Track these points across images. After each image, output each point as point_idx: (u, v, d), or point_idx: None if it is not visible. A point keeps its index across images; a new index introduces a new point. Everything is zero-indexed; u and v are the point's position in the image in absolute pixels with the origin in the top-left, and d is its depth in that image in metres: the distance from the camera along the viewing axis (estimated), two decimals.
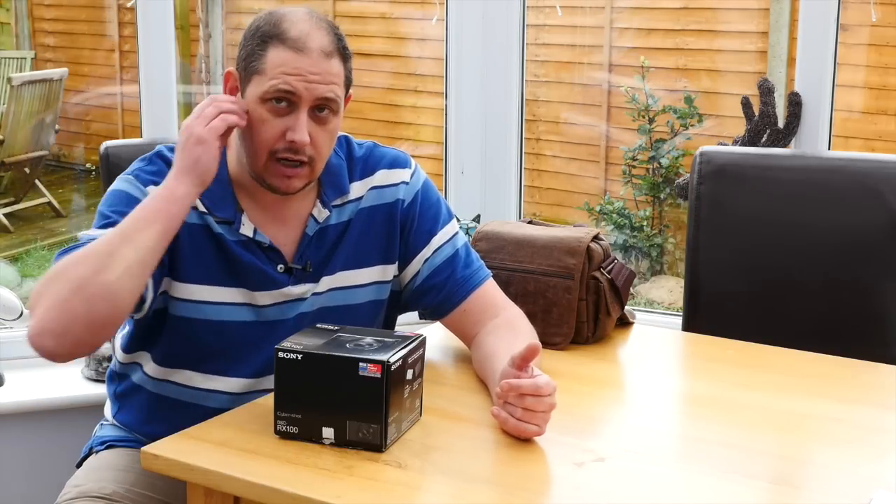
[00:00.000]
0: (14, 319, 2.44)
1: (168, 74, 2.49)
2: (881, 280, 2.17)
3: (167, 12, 2.48)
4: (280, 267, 1.75)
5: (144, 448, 1.50)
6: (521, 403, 1.51)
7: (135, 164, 1.74)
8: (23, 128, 5.47)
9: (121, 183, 1.72)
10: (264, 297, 1.74)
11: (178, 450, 1.49)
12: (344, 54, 1.69)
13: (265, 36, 1.66)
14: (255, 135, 1.66)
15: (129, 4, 5.48)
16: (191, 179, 1.60)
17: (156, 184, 1.67)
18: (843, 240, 2.20)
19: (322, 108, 1.66)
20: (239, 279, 1.72)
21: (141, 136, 2.50)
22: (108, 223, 1.63)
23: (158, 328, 1.74)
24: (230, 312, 1.73)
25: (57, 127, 5.77)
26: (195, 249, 1.70)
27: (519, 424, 1.51)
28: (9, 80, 5.59)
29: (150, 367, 1.78)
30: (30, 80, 5.59)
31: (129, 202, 1.65)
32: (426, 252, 1.83)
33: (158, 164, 1.72)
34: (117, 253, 1.53)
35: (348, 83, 1.71)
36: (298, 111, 1.65)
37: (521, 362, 1.55)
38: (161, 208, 1.58)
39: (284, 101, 1.64)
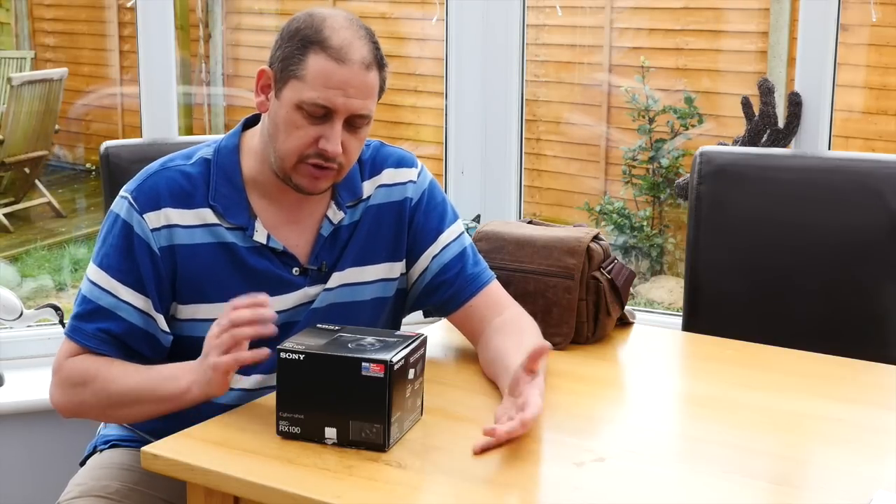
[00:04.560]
0: (14, 319, 2.44)
1: (168, 74, 2.49)
2: (881, 280, 2.17)
3: (167, 12, 2.48)
4: (295, 270, 1.75)
5: (144, 448, 1.50)
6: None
7: (132, 182, 1.74)
8: (23, 128, 5.47)
9: (119, 208, 1.71)
10: (282, 302, 1.73)
11: (178, 450, 1.49)
12: (381, 64, 1.69)
13: (306, 40, 1.65)
14: (288, 139, 1.67)
15: (129, 4, 5.48)
16: (202, 392, 1.60)
17: (155, 209, 1.68)
18: (843, 240, 2.20)
19: (356, 120, 1.68)
20: (255, 289, 1.72)
21: (141, 136, 2.50)
22: (102, 279, 1.69)
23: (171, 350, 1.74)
24: None
25: (57, 127, 5.76)
26: (206, 269, 1.70)
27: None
28: (9, 80, 5.58)
29: None
30: (30, 80, 5.58)
31: (123, 251, 1.68)
32: (434, 249, 1.84)
33: (155, 180, 1.72)
34: (127, 411, 1.68)
35: (382, 91, 1.72)
36: (333, 122, 1.65)
37: (531, 363, 1.56)
38: (170, 401, 1.62)
39: (321, 110, 1.65)
